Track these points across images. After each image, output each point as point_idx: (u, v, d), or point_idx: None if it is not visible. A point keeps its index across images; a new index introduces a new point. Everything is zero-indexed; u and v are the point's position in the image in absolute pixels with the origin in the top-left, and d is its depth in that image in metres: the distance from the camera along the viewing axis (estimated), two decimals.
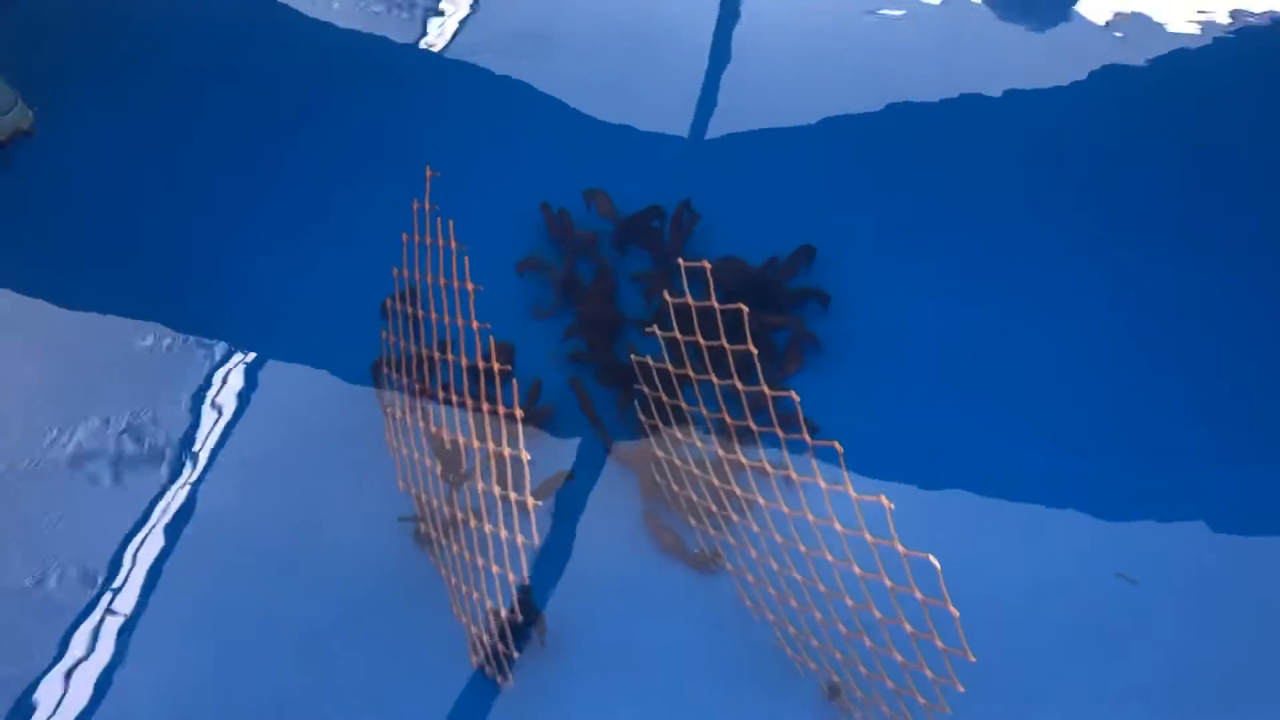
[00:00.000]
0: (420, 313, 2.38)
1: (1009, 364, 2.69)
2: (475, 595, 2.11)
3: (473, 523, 2.15)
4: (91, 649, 2.22)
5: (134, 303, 2.84)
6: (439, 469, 2.35)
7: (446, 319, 2.20)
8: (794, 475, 1.97)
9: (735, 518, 2.23)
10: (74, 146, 3.28)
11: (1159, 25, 3.61)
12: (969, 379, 2.66)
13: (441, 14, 3.71)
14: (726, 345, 2.06)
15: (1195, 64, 3.47)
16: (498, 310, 2.18)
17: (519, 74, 3.45)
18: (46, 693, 2.17)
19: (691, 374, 2.24)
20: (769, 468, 2.03)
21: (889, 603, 1.81)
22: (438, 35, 3.64)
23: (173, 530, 2.40)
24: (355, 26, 3.67)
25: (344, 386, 2.64)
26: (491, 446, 2.01)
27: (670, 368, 2.24)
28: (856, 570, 1.88)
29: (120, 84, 3.47)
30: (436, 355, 2.38)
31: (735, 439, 2.19)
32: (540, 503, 1.92)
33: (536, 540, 1.90)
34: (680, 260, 2.14)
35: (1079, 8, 3.69)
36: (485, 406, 2.09)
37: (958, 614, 1.68)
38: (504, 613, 2.05)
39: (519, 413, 1.94)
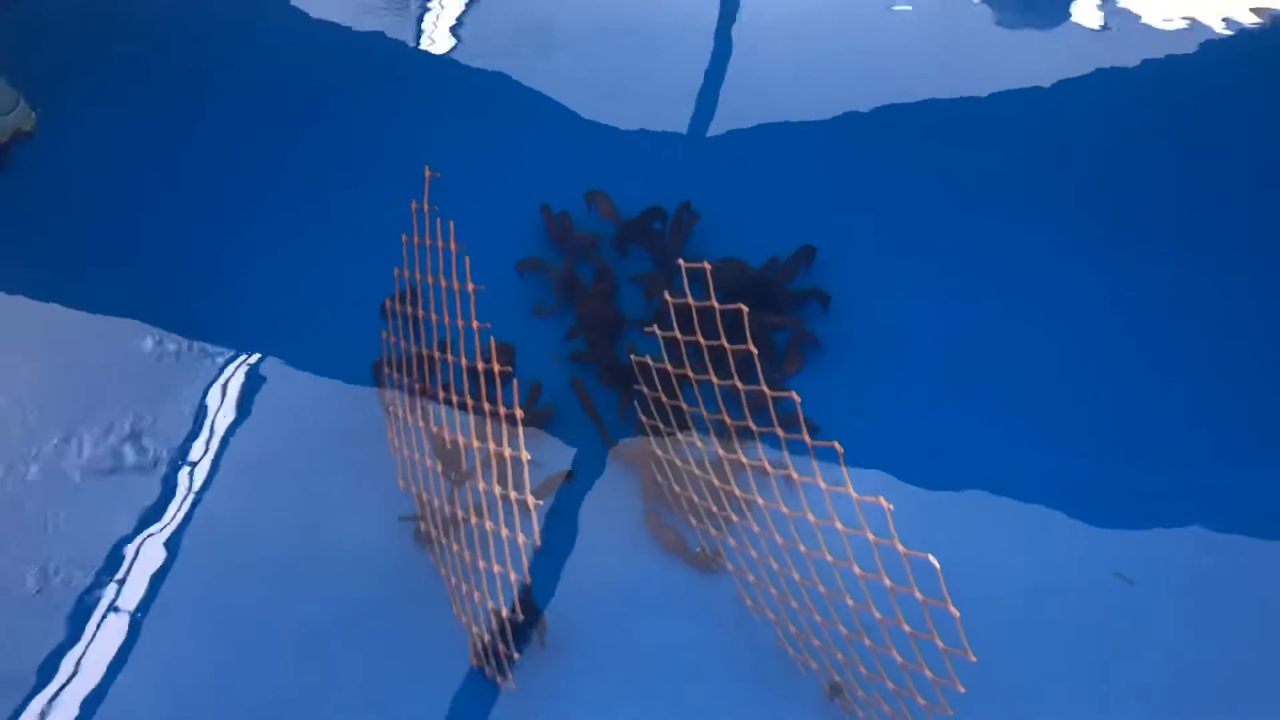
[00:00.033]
0: (421, 313, 2.38)
1: (1009, 364, 2.69)
2: (476, 595, 2.11)
3: (473, 521, 2.15)
4: (92, 649, 2.22)
5: (134, 303, 2.84)
6: (439, 468, 2.35)
7: (447, 319, 2.20)
8: (794, 475, 1.97)
9: (735, 518, 2.23)
10: (74, 146, 3.28)
11: (1159, 25, 3.61)
12: (969, 379, 2.66)
13: (441, 14, 3.71)
14: (727, 345, 2.07)
15: (1195, 64, 3.47)
16: (498, 310, 2.18)
17: (519, 73, 3.45)
18: (47, 693, 2.17)
19: (691, 374, 2.24)
20: (769, 468, 2.03)
21: (889, 603, 1.81)
22: (437, 35, 3.64)
23: (173, 530, 2.40)
24: (355, 26, 3.67)
25: (344, 386, 2.64)
26: (492, 446, 2.02)
27: (670, 368, 2.24)
28: (857, 570, 1.88)
29: (120, 84, 3.47)
30: (437, 355, 2.38)
31: (735, 439, 2.19)
32: (541, 502, 1.92)
33: (537, 539, 1.90)
34: (680, 261, 2.14)
35: (1079, 8, 3.69)
36: (486, 406, 2.09)
37: (958, 614, 1.68)
38: (504, 612, 2.05)
39: (519, 413, 1.94)
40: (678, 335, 2.18)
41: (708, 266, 2.04)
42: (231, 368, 2.70)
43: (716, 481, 2.22)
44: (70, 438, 2.56)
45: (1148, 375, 2.66)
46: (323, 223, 3.06)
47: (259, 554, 2.36)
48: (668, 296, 2.19)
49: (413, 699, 2.15)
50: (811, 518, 1.94)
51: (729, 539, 2.28)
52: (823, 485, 1.86)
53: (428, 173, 2.26)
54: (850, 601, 1.94)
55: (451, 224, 2.19)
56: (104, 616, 2.27)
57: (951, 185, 3.12)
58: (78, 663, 2.20)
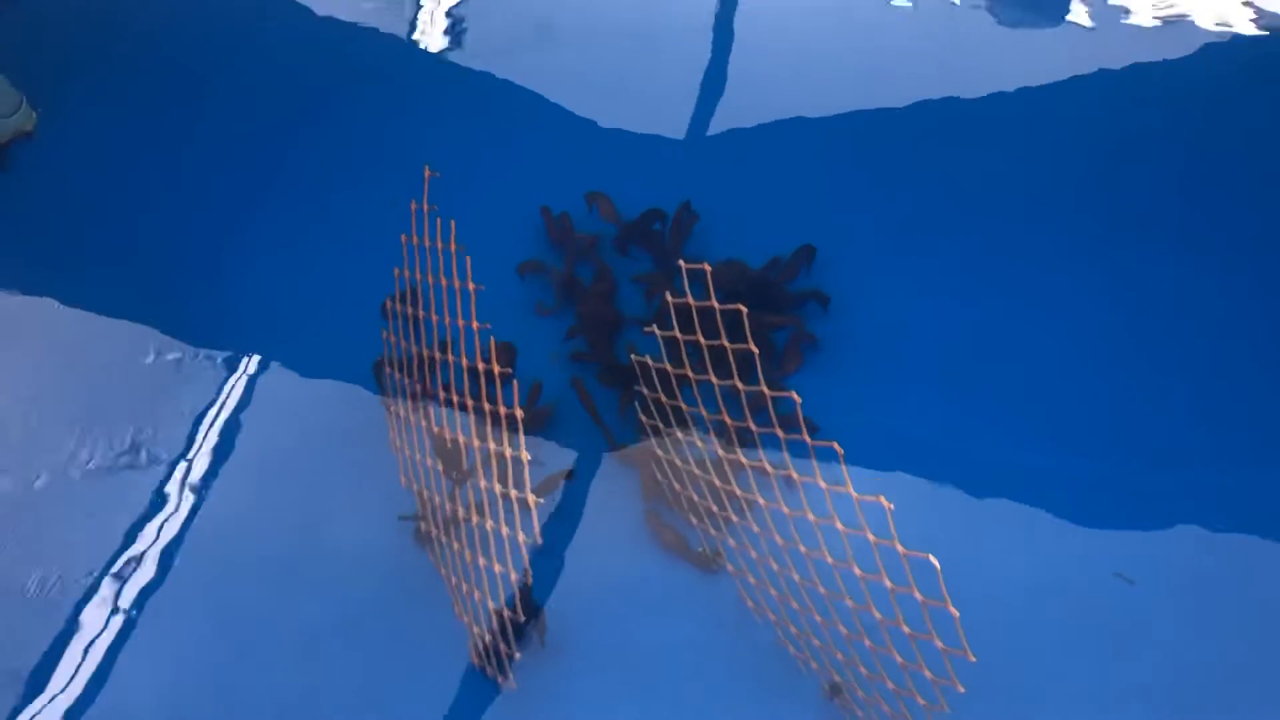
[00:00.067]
0: (421, 313, 2.38)
1: (1009, 364, 2.69)
2: (477, 595, 2.11)
3: (474, 520, 2.15)
4: (92, 649, 2.23)
5: (134, 303, 2.84)
6: (440, 467, 2.35)
7: (448, 319, 2.20)
8: (794, 475, 1.97)
9: (736, 518, 2.23)
10: (74, 147, 3.28)
11: (1159, 25, 3.61)
12: (969, 379, 2.66)
13: (441, 14, 3.71)
14: (727, 345, 2.07)
15: (1196, 64, 3.47)
16: (499, 311, 2.18)
17: (518, 74, 3.45)
18: (47, 693, 2.17)
19: (691, 374, 2.24)
20: (769, 468, 2.03)
21: (889, 603, 1.81)
22: (437, 35, 3.64)
23: (173, 530, 2.41)
24: (355, 27, 3.67)
25: (345, 387, 2.64)
26: (492, 446, 2.02)
27: (670, 368, 2.24)
28: (857, 571, 1.88)
29: (120, 84, 3.47)
30: (438, 355, 2.38)
31: (735, 439, 2.19)
32: (541, 500, 1.93)
33: (538, 539, 1.90)
34: (681, 263, 2.14)
35: (1078, 8, 3.69)
36: (486, 406, 2.09)
37: (958, 614, 1.68)
38: (505, 612, 2.05)
39: (519, 413, 1.94)
40: (678, 335, 2.18)
41: (708, 268, 2.04)
42: (232, 368, 2.70)
43: (717, 481, 2.22)
44: (70, 438, 2.56)
45: (1148, 375, 2.66)
46: (323, 223, 3.06)
47: (259, 554, 2.36)
48: (668, 296, 2.19)
49: (413, 699, 2.15)
50: (812, 518, 1.94)
51: (729, 539, 2.28)
52: (823, 485, 1.86)
53: (428, 173, 2.26)
54: (850, 602, 1.95)
55: (453, 224, 2.19)
56: (104, 616, 2.27)
57: (951, 185, 3.12)
58: (78, 663, 2.20)
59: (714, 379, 2.11)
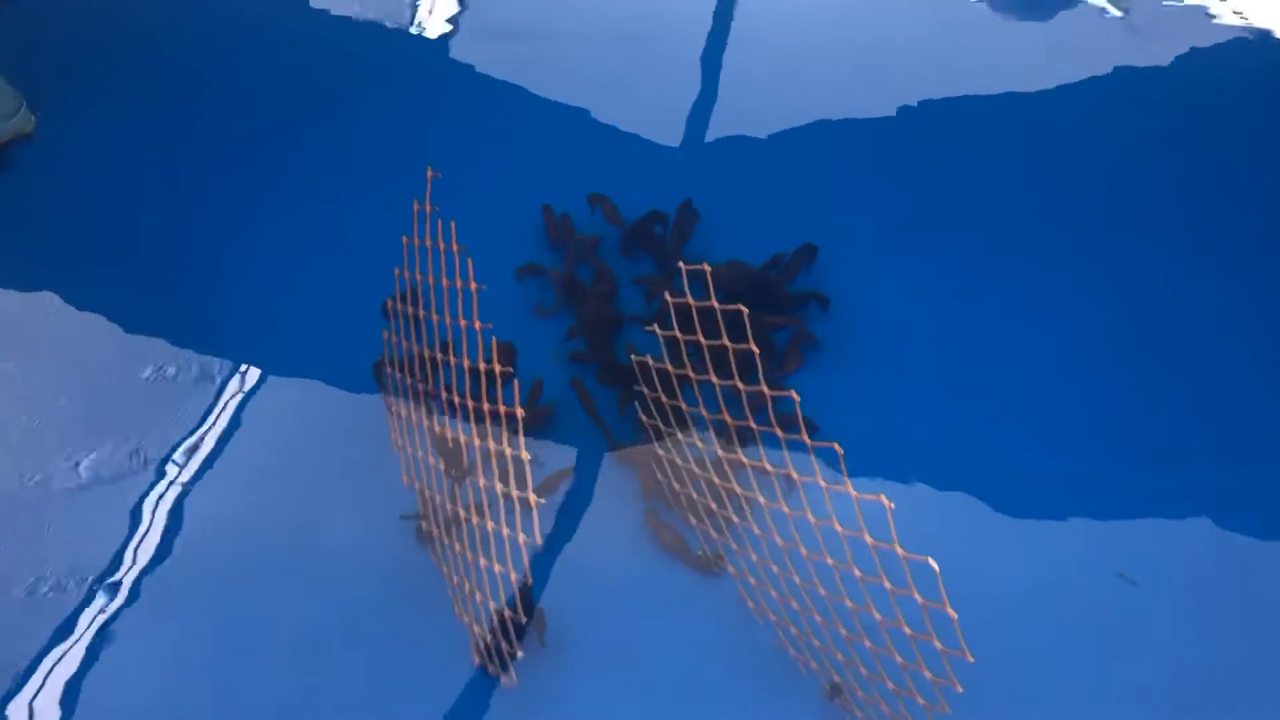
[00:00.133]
0: (422, 313, 2.38)
1: (1009, 364, 2.69)
2: (478, 596, 2.11)
3: (475, 520, 2.15)
4: (92, 650, 2.22)
5: (134, 304, 2.84)
6: (442, 466, 2.35)
7: (449, 319, 2.20)
8: (794, 475, 1.97)
9: (736, 519, 2.23)
10: (74, 147, 3.28)
11: (1159, 25, 3.61)
12: (969, 379, 2.66)
13: (442, 14, 3.71)
14: (727, 345, 2.07)
15: (1195, 64, 3.47)
16: (499, 311, 2.18)
17: (519, 74, 3.45)
18: (47, 693, 2.17)
19: (692, 374, 2.24)
20: (769, 468, 2.03)
21: (889, 604, 1.82)
22: (438, 35, 3.64)
23: (174, 530, 2.40)
24: (356, 27, 3.67)
25: (345, 387, 2.64)
26: (493, 445, 2.02)
27: (670, 368, 2.24)
28: (856, 573, 1.88)
29: (120, 84, 3.47)
30: (439, 356, 2.38)
31: (735, 439, 2.19)
32: (542, 500, 1.93)
33: (538, 539, 1.90)
34: (681, 264, 2.14)
35: (1079, 7, 3.69)
36: (487, 406, 2.09)
37: (956, 616, 1.68)
38: (506, 611, 2.05)
39: (520, 412, 1.94)
40: (678, 335, 2.18)
41: (708, 269, 2.04)
42: (232, 368, 2.70)
43: (717, 481, 2.22)
44: (70, 437, 2.56)
45: (1148, 375, 2.66)
46: (323, 223, 3.06)
47: (259, 553, 2.36)
48: (668, 296, 2.19)
49: (413, 698, 2.15)
50: (812, 518, 1.94)
51: (730, 541, 2.28)
52: (823, 485, 1.86)
53: (429, 173, 2.26)
54: (850, 603, 1.95)
55: (453, 224, 2.19)
56: (104, 617, 2.27)
57: (952, 185, 3.12)
58: (78, 663, 2.20)
59: (714, 379, 2.11)
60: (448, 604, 2.22)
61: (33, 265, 2.98)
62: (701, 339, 2.13)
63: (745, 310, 1.96)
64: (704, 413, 2.25)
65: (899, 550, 1.72)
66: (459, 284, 2.14)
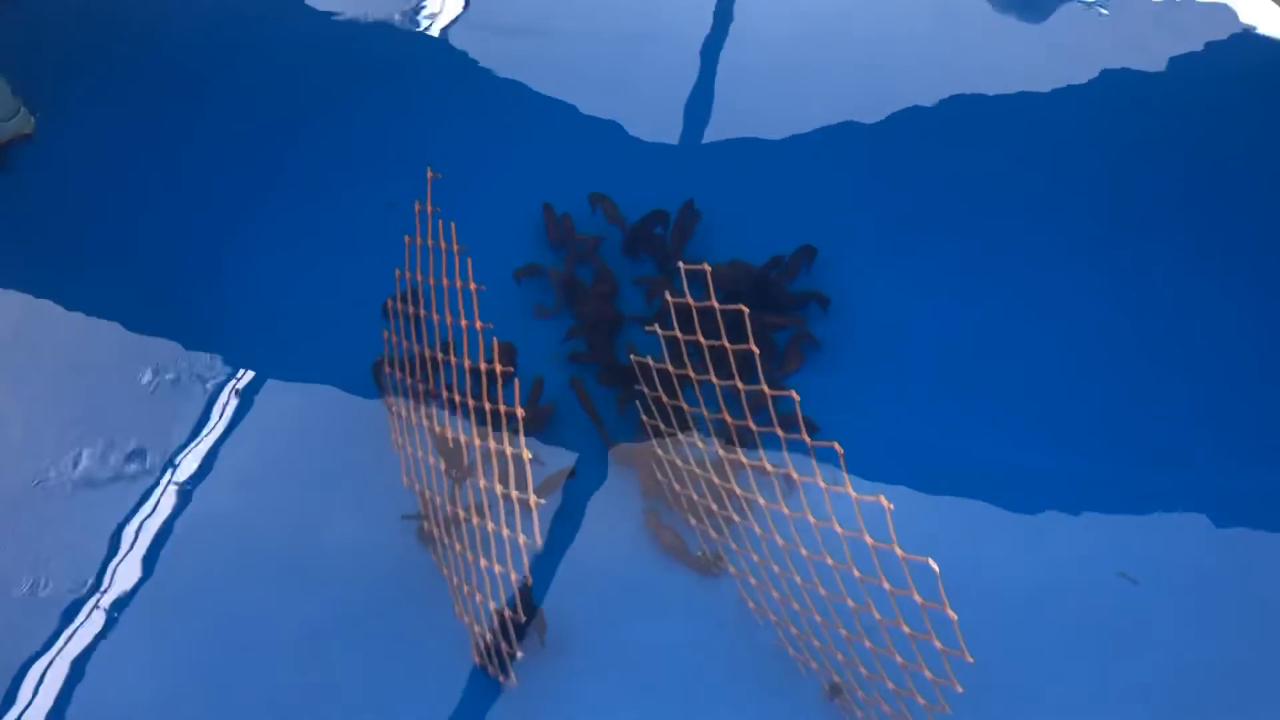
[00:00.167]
0: (422, 313, 2.38)
1: (1009, 364, 2.69)
2: (478, 596, 2.11)
3: (475, 521, 2.15)
4: (92, 650, 2.23)
5: (134, 304, 2.84)
6: (442, 466, 2.35)
7: (449, 319, 2.20)
8: (794, 475, 1.97)
9: (736, 518, 2.23)
10: (74, 147, 3.28)
11: (1159, 25, 3.61)
12: (969, 379, 2.66)
13: (442, 14, 3.71)
14: (727, 345, 2.07)
15: (1195, 64, 3.47)
16: (499, 311, 2.18)
17: (520, 74, 3.45)
18: (47, 693, 2.17)
19: (692, 374, 2.24)
20: (769, 468, 2.03)
21: (889, 605, 1.82)
22: (438, 35, 3.64)
23: (174, 530, 2.41)
24: (356, 26, 3.67)
25: (345, 387, 2.64)
26: (493, 445, 2.02)
27: (670, 368, 2.24)
28: (856, 573, 1.88)
29: (120, 84, 3.47)
30: (439, 356, 2.38)
31: (735, 439, 2.19)
32: (543, 501, 1.93)
33: (538, 539, 1.90)
34: (681, 264, 2.14)
35: (1079, 7, 3.69)
36: (487, 406, 2.09)
37: (955, 617, 1.68)
38: (506, 612, 2.05)
39: (520, 412, 1.94)
40: (678, 335, 2.18)
41: (708, 269, 2.04)
42: (232, 368, 2.70)
43: (717, 481, 2.22)
44: (71, 437, 2.56)
45: (1148, 375, 2.66)
46: (323, 223, 3.06)
47: (259, 553, 2.37)
48: (668, 296, 2.19)
49: (414, 698, 2.16)
50: (812, 519, 1.94)
51: (730, 541, 2.28)
52: (822, 485, 1.86)
53: (430, 174, 2.26)
54: (851, 603, 1.95)
55: (454, 225, 2.19)
56: (104, 617, 2.27)
57: (952, 185, 3.12)
58: (78, 663, 2.20)
59: (714, 379, 2.11)
60: (448, 604, 2.22)
61: (33, 265, 2.98)
62: (701, 339, 2.13)
63: (746, 310, 1.96)
64: (704, 412, 2.25)
65: (898, 551, 1.72)
66: (459, 284, 2.14)
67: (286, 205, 3.10)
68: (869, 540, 1.80)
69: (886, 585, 1.80)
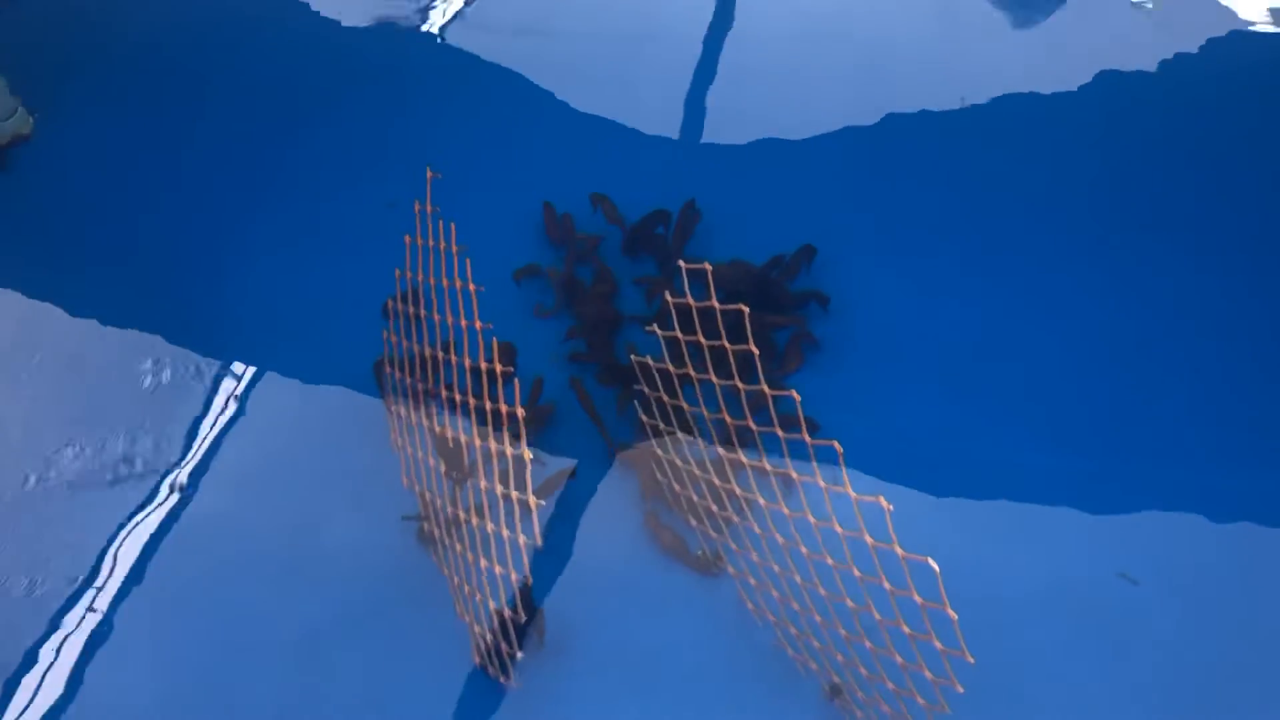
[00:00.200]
0: (423, 313, 2.38)
1: (1009, 364, 2.69)
2: (479, 596, 2.11)
3: (475, 521, 2.15)
4: (92, 649, 2.22)
5: (134, 304, 2.84)
6: (442, 467, 2.35)
7: (450, 319, 2.20)
8: (794, 475, 1.97)
9: (735, 519, 2.23)
10: (74, 147, 3.28)
11: (1159, 25, 3.61)
12: (969, 379, 2.66)
13: (442, 14, 3.71)
14: (727, 345, 2.07)
15: (1196, 64, 3.47)
16: (499, 311, 2.18)
17: (520, 74, 3.45)
18: (47, 692, 2.17)
19: (692, 374, 2.24)
20: (769, 468, 2.03)
21: (889, 605, 1.82)
22: (438, 35, 3.64)
23: (174, 530, 2.40)
24: (356, 27, 3.67)
25: (346, 387, 2.64)
26: (494, 445, 2.02)
27: (671, 368, 2.24)
28: (856, 573, 1.88)
29: (120, 84, 3.47)
30: (439, 355, 2.38)
31: (735, 438, 2.19)
32: (542, 502, 1.93)
33: (538, 540, 1.90)
34: (682, 262, 2.14)
35: (1079, 10, 3.69)
36: (488, 405, 2.09)
37: (956, 616, 1.68)
38: (506, 612, 2.05)
39: (520, 412, 1.94)
40: (678, 335, 2.18)
41: (708, 268, 2.04)
42: (231, 368, 2.70)
43: (717, 481, 2.22)
44: (71, 437, 2.56)
45: (1148, 375, 2.66)
46: (323, 223, 3.06)
47: (259, 554, 2.36)
48: (668, 296, 2.19)
49: (414, 698, 2.15)
50: (812, 519, 1.94)
51: (729, 542, 2.28)
52: (822, 485, 1.86)
53: (429, 174, 2.26)
54: (850, 604, 1.95)
55: (453, 225, 2.19)
56: (104, 616, 2.27)
57: (951, 185, 3.12)
58: (78, 663, 2.20)
59: (714, 379, 2.11)
60: (448, 604, 2.22)
61: (33, 265, 2.98)
62: (702, 339, 2.13)
63: (746, 310, 1.95)
64: (704, 412, 2.25)
65: (899, 551, 1.72)
66: (459, 284, 2.14)
67: (286, 205, 3.10)
68: (869, 540, 1.80)
69: (887, 585, 1.80)
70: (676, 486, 2.34)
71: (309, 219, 3.07)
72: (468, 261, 2.13)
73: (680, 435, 2.37)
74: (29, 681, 2.18)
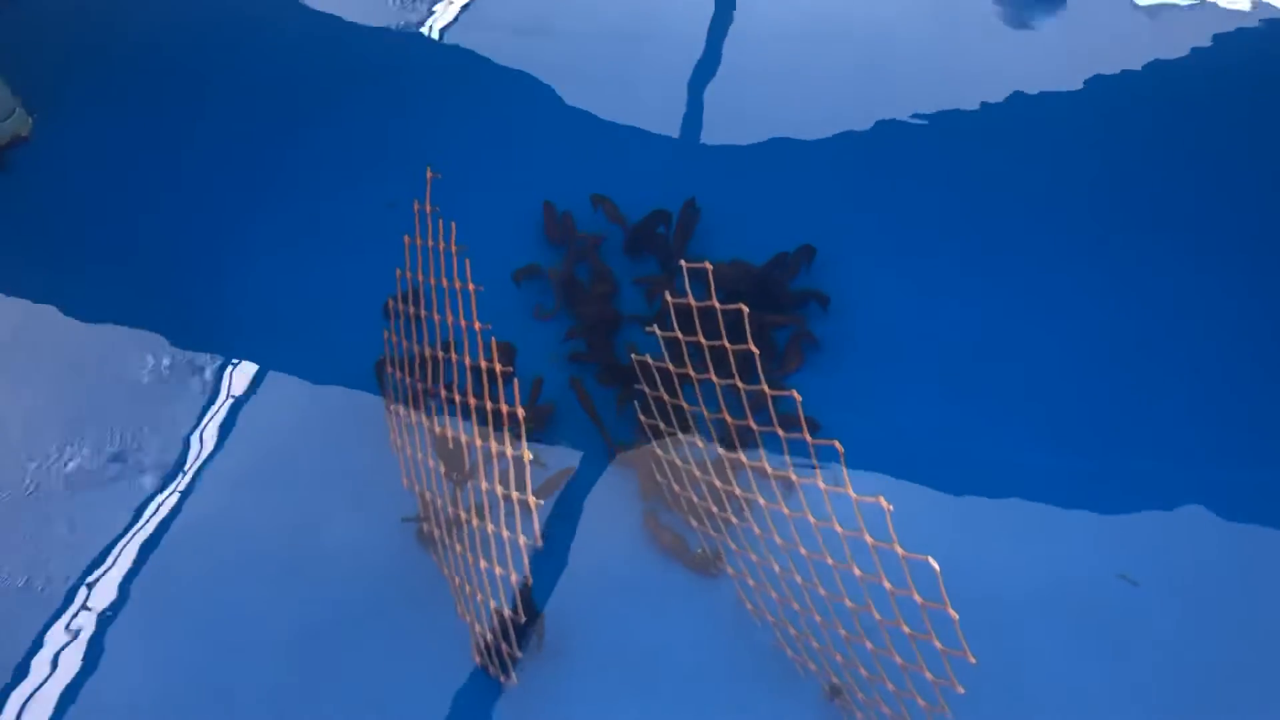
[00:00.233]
0: (423, 313, 2.38)
1: (1009, 364, 2.69)
2: (479, 596, 2.11)
3: (475, 522, 2.15)
4: (91, 649, 2.22)
5: (134, 304, 2.84)
6: (442, 469, 2.35)
7: (450, 319, 2.20)
8: (794, 476, 1.97)
9: (735, 519, 2.23)
10: (74, 147, 3.28)
11: (1159, 25, 3.61)
12: (969, 379, 2.66)
13: (442, 14, 3.71)
14: (727, 345, 2.07)
15: (1196, 64, 3.47)
16: (499, 311, 2.18)
17: (520, 74, 3.45)
18: (46, 692, 2.17)
19: (692, 373, 2.24)
20: (769, 468, 2.03)
21: (889, 605, 1.81)
22: (438, 35, 3.64)
23: (174, 530, 2.40)
24: (355, 27, 3.67)
25: (345, 387, 2.64)
26: (494, 446, 2.02)
27: (671, 367, 2.24)
28: (856, 572, 1.88)
29: (120, 84, 3.47)
30: (439, 355, 2.38)
31: (736, 438, 2.19)
32: (542, 502, 1.92)
33: (539, 540, 1.90)
34: (683, 262, 2.14)
35: (1078, 7, 3.69)
36: (488, 405, 2.09)
37: (957, 616, 1.68)
38: (507, 612, 2.05)
39: (521, 412, 1.94)
40: (678, 335, 2.18)
41: (709, 267, 2.04)
42: (231, 368, 2.70)
43: (717, 482, 2.22)
44: (71, 437, 2.56)
45: (1148, 375, 2.66)
46: (323, 223, 3.06)
47: (260, 554, 2.36)
48: (668, 296, 2.19)
49: (414, 698, 2.15)
50: (812, 519, 1.94)
51: (729, 542, 2.28)
52: (822, 486, 1.86)
53: (429, 174, 2.26)
54: (850, 604, 1.94)
55: (453, 225, 2.19)
56: (103, 616, 2.27)
57: (951, 185, 3.12)
58: (77, 663, 2.20)
59: (715, 378, 2.11)
60: (448, 604, 2.22)
61: (33, 265, 2.98)
62: (702, 339, 2.13)
63: (746, 309, 1.95)
64: (704, 412, 2.25)
65: (899, 550, 1.72)
66: (458, 285, 2.14)
67: (286, 205, 3.10)
68: (869, 540, 1.80)
69: (887, 584, 1.80)
70: (676, 487, 2.34)
71: (309, 219, 3.07)
72: (467, 261, 2.13)
73: (680, 435, 2.37)
74: (29, 681, 2.18)
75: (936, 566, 1.65)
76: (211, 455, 2.53)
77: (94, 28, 3.68)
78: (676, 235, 2.91)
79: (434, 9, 3.72)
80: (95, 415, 2.61)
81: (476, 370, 2.16)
